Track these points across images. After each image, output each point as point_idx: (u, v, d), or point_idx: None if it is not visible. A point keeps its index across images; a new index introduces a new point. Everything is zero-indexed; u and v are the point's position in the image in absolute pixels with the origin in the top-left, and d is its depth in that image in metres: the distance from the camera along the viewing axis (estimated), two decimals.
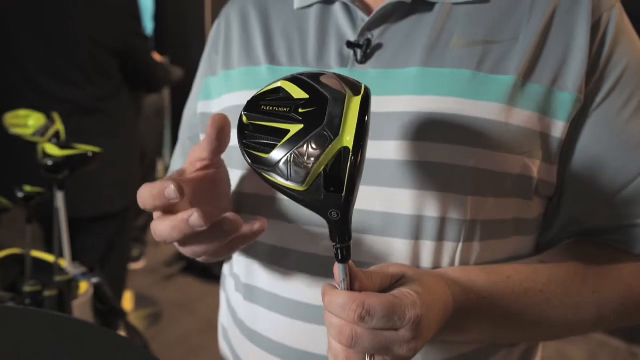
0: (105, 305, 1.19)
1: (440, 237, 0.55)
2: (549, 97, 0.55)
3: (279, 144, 0.42)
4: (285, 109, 0.44)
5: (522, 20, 0.56)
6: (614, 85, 0.56)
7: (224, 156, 0.56)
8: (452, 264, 0.56)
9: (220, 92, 0.68)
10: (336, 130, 0.42)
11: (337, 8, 0.63)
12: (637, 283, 0.60)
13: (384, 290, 0.47)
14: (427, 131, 0.54)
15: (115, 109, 1.78)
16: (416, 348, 0.45)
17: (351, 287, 0.45)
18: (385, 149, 0.55)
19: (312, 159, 0.42)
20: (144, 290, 2.79)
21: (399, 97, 0.56)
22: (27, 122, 1.12)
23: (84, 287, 1.15)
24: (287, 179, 0.42)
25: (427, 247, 0.55)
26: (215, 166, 0.55)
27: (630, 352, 2.35)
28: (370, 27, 0.59)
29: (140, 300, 2.71)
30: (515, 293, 0.55)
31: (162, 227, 0.48)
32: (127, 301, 2.67)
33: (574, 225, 0.62)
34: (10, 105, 1.33)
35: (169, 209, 0.49)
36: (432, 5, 0.58)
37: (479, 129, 0.54)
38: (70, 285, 1.10)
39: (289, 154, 0.42)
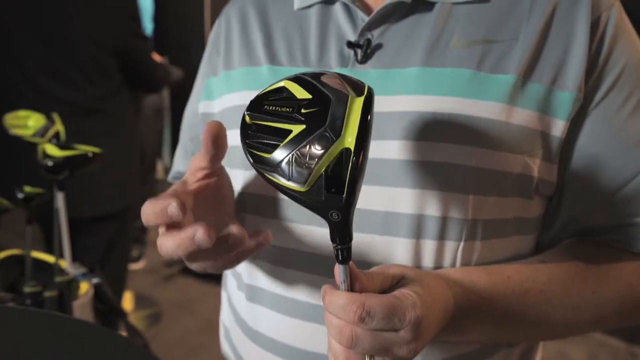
0: (106, 306, 1.19)
1: (441, 236, 0.55)
2: (549, 96, 0.55)
3: (281, 144, 0.42)
4: (288, 109, 0.44)
5: (522, 20, 0.56)
6: (613, 84, 0.56)
7: (224, 156, 0.56)
8: (453, 263, 0.56)
9: (221, 92, 0.68)
10: (338, 131, 0.42)
11: (337, 8, 0.63)
12: (637, 282, 0.60)
13: (385, 291, 0.47)
14: (427, 131, 0.54)
15: (115, 109, 1.78)
16: (416, 349, 0.45)
17: (351, 288, 0.45)
18: (385, 149, 0.55)
19: (314, 159, 0.42)
20: (144, 291, 2.79)
21: (400, 97, 0.56)
22: (27, 122, 1.12)
23: (84, 287, 1.15)
24: (289, 179, 0.42)
25: (429, 246, 0.55)
26: (216, 173, 0.55)
27: (630, 352, 2.35)
28: (370, 27, 0.59)
29: (140, 301, 2.71)
30: (516, 293, 0.55)
31: (167, 244, 0.47)
32: (127, 301, 2.67)
33: (573, 225, 0.62)
34: (10, 105, 1.33)
35: (173, 224, 0.49)
36: (432, 5, 0.58)
37: (479, 128, 0.54)
38: (71, 286, 1.10)
39: (290, 155, 0.42)
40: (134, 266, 2.98)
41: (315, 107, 0.43)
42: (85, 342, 0.55)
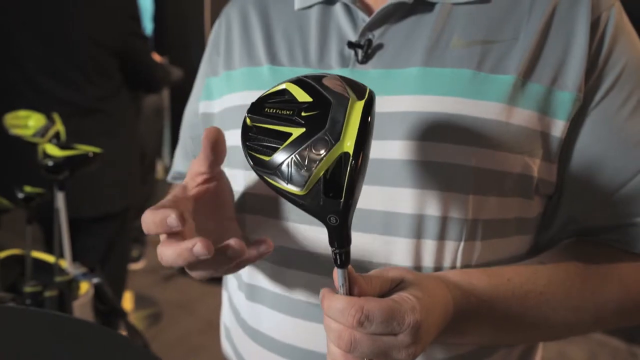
0: (106, 306, 1.19)
1: (442, 236, 0.55)
2: (548, 96, 0.55)
3: (281, 147, 0.43)
4: (288, 112, 0.44)
5: (522, 20, 0.56)
6: (612, 84, 0.56)
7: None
8: (453, 263, 0.56)
9: (222, 92, 0.68)
10: (337, 135, 0.42)
11: (338, 9, 0.63)
12: (636, 282, 0.60)
13: (384, 294, 0.46)
14: (428, 131, 0.54)
15: (115, 109, 1.78)
16: (415, 353, 0.44)
17: (350, 292, 0.45)
18: (386, 149, 0.55)
19: (313, 163, 0.41)
20: (144, 291, 2.79)
21: (400, 97, 0.56)
22: (27, 122, 1.12)
23: (85, 287, 1.15)
24: (288, 182, 0.42)
25: (429, 246, 0.55)
26: (215, 178, 0.55)
27: (630, 352, 2.35)
28: (371, 27, 0.59)
29: (140, 301, 2.71)
30: (516, 295, 0.55)
31: (167, 254, 0.48)
32: (127, 301, 2.67)
33: (573, 225, 0.62)
34: (10, 105, 1.33)
35: (173, 233, 0.49)
36: (433, 5, 0.58)
37: (479, 128, 0.54)
38: (71, 286, 1.10)
39: (290, 158, 0.42)
40: (134, 266, 2.98)
41: (316, 110, 0.43)
42: (86, 341, 0.55)
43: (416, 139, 0.54)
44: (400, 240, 0.55)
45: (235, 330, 0.69)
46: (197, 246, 0.46)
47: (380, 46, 0.59)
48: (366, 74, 0.58)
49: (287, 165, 0.42)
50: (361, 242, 0.56)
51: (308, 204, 0.43)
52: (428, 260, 0.56)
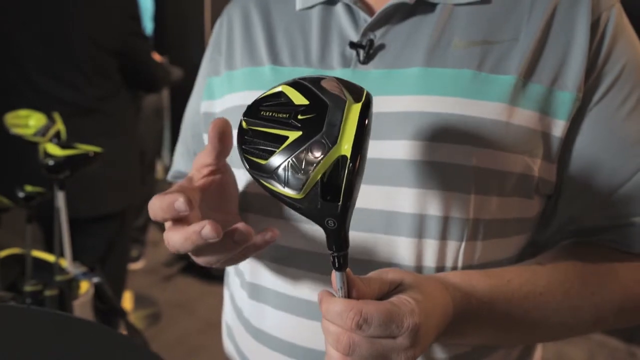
0: (106, 305, 1.19)
1: (443, 236, 0.55)
2: (549, 96, 0.55)
3: (278, 151, 0.42)
4: (285, 115, 0.43)
5: (523, 20, 0.56)
6: (611, 84, 0.57)
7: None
8: (455, 262, 0.56)
9: (223, 92, 0.68)
10: (334, 138, 0.41)
11: (339, 9, 0.63)
12: (635, 283, 0.60)
13: (383, 296, 0.46)
14: (429, 131, 0.54)
15: (114, 109, 1.78)
16: (414, 356, 0.44)
17: (349, 295, 0.44)
18: (387, 149, 0.55)
19: (310, 166, 0.41)
20: (143, 291, 2.78)
21: (401, 97, 0.56)
22: (27, 122, 1.12)
23: (85, 286, 1.15)
24: (285, 186, 0.42)
25: (431, 246, 0.56)
26: (221, 171, 0.55)
27: (629, 352, 2.36)
28: (372, 27, 0.60)
29: (140, 301, 2.71)
30: (516, 297, 0.55)
31: (175, 238, 0.48)
32: (127, 301, 2.67)
33: (571, 225, 0.62)
34: (10, 105, 1.33)
35: (179, 219, 0.49)
36: (434, 6, 0.58)
37: (480, 128, 0.54)
38: (71, 285, 1.10)
39: (287, 161, 0.42)
40: (133, 266, 2.97)
41: (312, 113, 0.43)
42: (86, 340, 0.55)
43: (417, 139, 0.54)
44: (402, 239, 0.56)
45: (237, 328, 0.69)
46: (206, 228, 0.45)
47: (381, 46, 0.59)
48: (368, 74, 0.58)
49: (284, 168, 0.42)
50: (363, 242, 0.56)
51: (305, 208, 0.43)
52: (430, 260, 0.56)
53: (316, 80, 0.45)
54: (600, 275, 0.59)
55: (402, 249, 0.56)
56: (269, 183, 0.43)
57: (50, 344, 0.54)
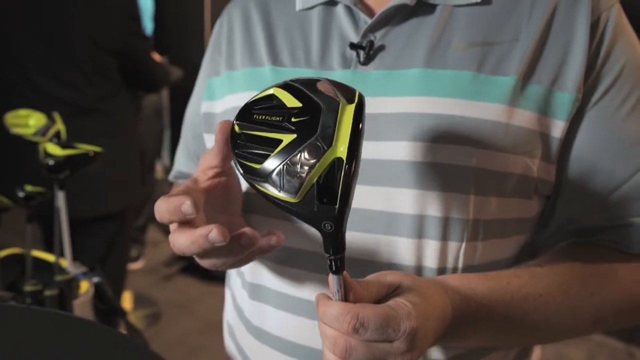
0: (106, 305, 1.19)
1: (444, 237, 0.56)
2: (548, 97, 0.55)
3: (272, 155, 0.42)
4: (278, 118, 0.43)
5: (522, 21, 0.56)
6: (611, 85, 0.57)
7: None
8: (456, 263, 0.56)
9: (224, 92, 0.68)
10: (329, 140, 0.41)
11: (340, 10, 0.63)
12: (634, 283, 0.60)
13: (381, 299, 0.46)
14: (429, 132, 0.54)
15: (114, 109, 1.78)
16: (411, 359, 0.44)
17: (346, 298, 0.44)
18: (387, 150, 0.55)
19: (306, 169, 0.41)
20: (143, 291, 2.78)
21: (401, 98, 0.56)
22: (28, 121, 1.12)
23: (85, 286, 1.15)
24: (280, 190, 0.42)
25: (431, 247, 0.56)
26: (226, 173, 0.55)
27: (628, 352, 2.36)
28: (372, 29, 0.60)
29: (139, 301, 2.71)
30: (515, 299, 0.55)
31: (181, 241, 0.47)
32: (126, 301, 2.67)
33: (570, 225, 0.62)
34: (9, 105, 1.33)
35: (185, 221, 0.49)
36: (434, 7, 0.59)
37: (480, 129, 0.54)
38: (71, 285, 1.10)
39: (281, 165, 0.41)
40: (133, 266, 2.97)
41: (306, 115, 0.42)
42: (86, 340, 0.55)
43: (417, 140, 0.54)
44: (402, 240, 0.56)
45: (238, 328, 0.69)
46: (213, 232, 0.45)
47: (381, 47, 0.59)
48: (368, 75, 0.58)
49: (279, 172, 0.41)
50: (364, 243, 0.56)
51: (302, 212, 0.42)
52: (431, 261, 0.56)
53: (307, 82, 0.44)
54: (600, 276, 0.59)
55: (402, 249, 0.56)
56: (264, 187, 0.42)
57: (50, 344, 0.54)
